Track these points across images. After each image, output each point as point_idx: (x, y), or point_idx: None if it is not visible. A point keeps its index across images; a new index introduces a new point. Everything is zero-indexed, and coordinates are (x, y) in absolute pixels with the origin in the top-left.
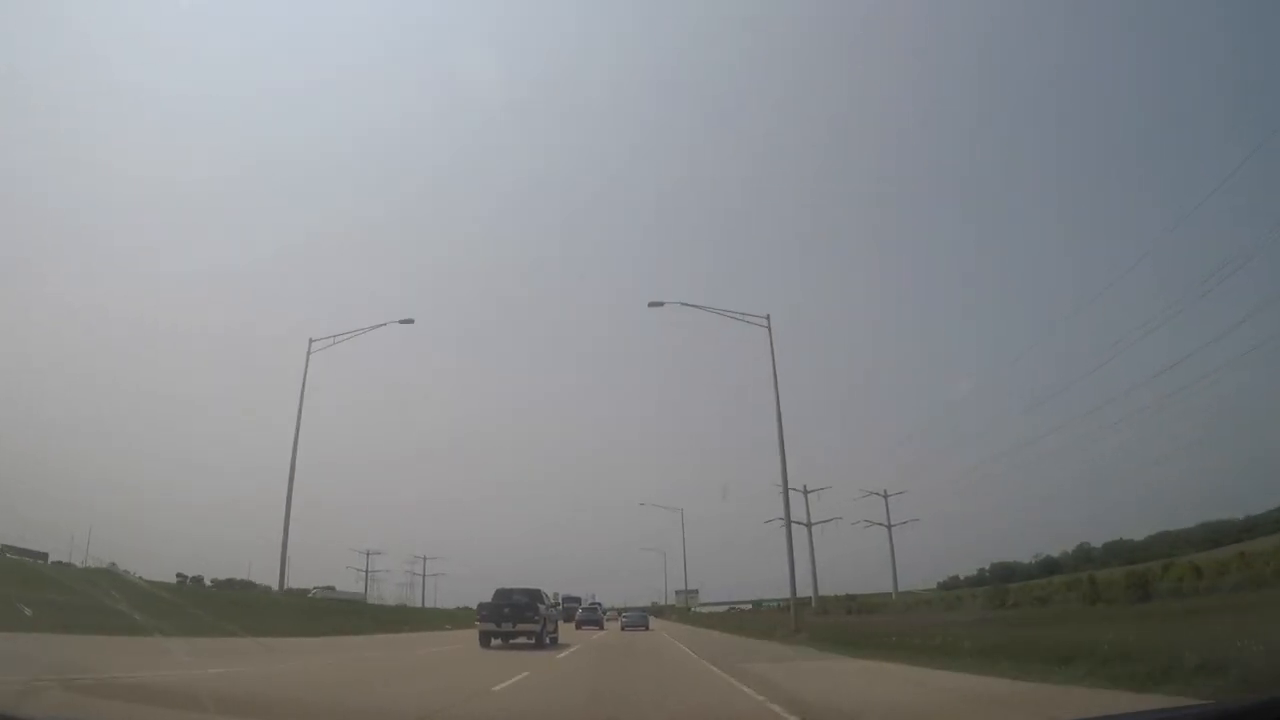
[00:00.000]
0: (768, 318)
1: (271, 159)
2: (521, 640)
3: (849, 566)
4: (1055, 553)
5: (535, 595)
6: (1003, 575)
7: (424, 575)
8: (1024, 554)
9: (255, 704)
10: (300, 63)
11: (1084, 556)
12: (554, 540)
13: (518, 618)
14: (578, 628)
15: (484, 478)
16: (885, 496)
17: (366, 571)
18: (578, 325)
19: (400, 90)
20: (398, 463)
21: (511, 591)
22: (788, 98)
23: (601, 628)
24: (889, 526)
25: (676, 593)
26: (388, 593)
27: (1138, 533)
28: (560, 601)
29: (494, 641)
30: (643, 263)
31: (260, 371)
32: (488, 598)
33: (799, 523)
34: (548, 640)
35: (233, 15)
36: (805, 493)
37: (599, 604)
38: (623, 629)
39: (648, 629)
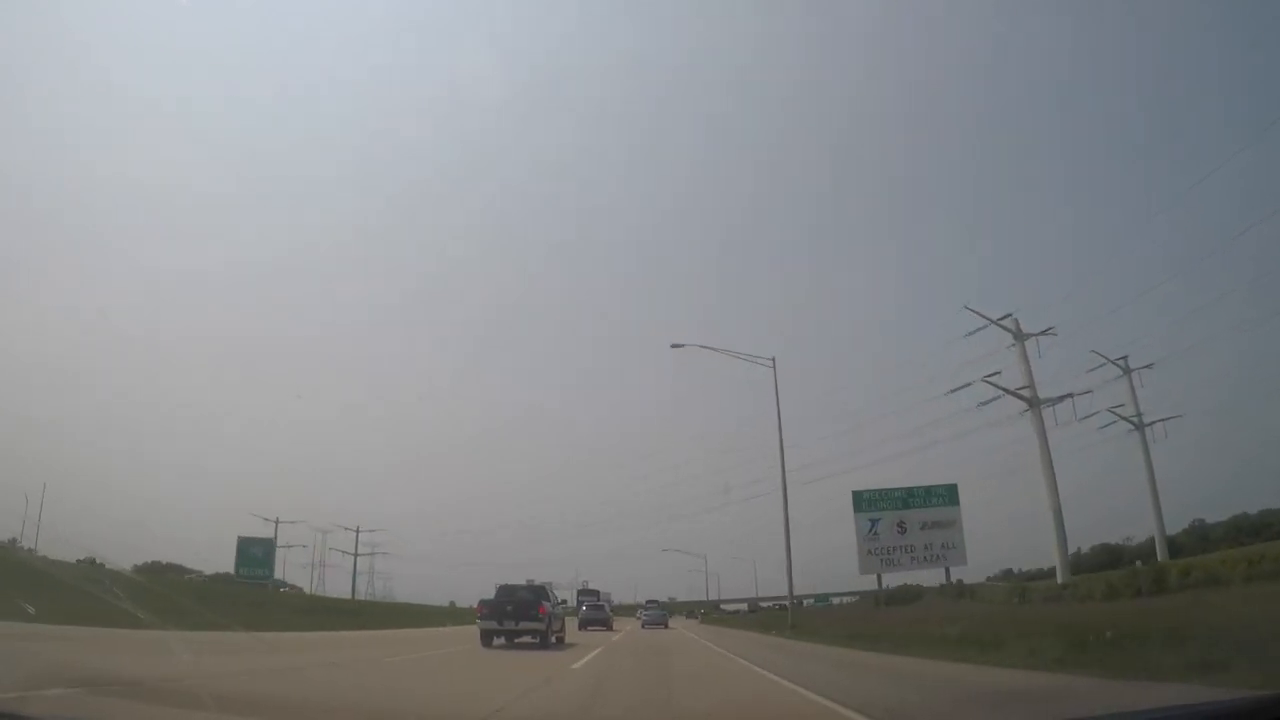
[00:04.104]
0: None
1: (269, 161)
2: (526, 640)
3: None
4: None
5: (540, 592)
6: (1104, 562)
7: (356, 554)
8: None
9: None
10: (299, 64)
11: (1201, 535)
12: (582, 538)
13: (521, 615)
14: (581, 628)
15: (501, 473)
16: (1127, 370)
17: (276, 548)
18: (590, 316)
19: (397, 93)
20: (409, 462)
21: (516, 588)
22: (797, 96)
23: (609, 628)
24: (1140, 425)
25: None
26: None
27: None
28: (579, 597)
29: (496, 641)
30: (645, 256)
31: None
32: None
33: (1015, 393)
34: (553, 640)
35: (229, 17)
36: (1020, 336)
37: (657, 602)
38: (643, 627)
39: (666, 627)
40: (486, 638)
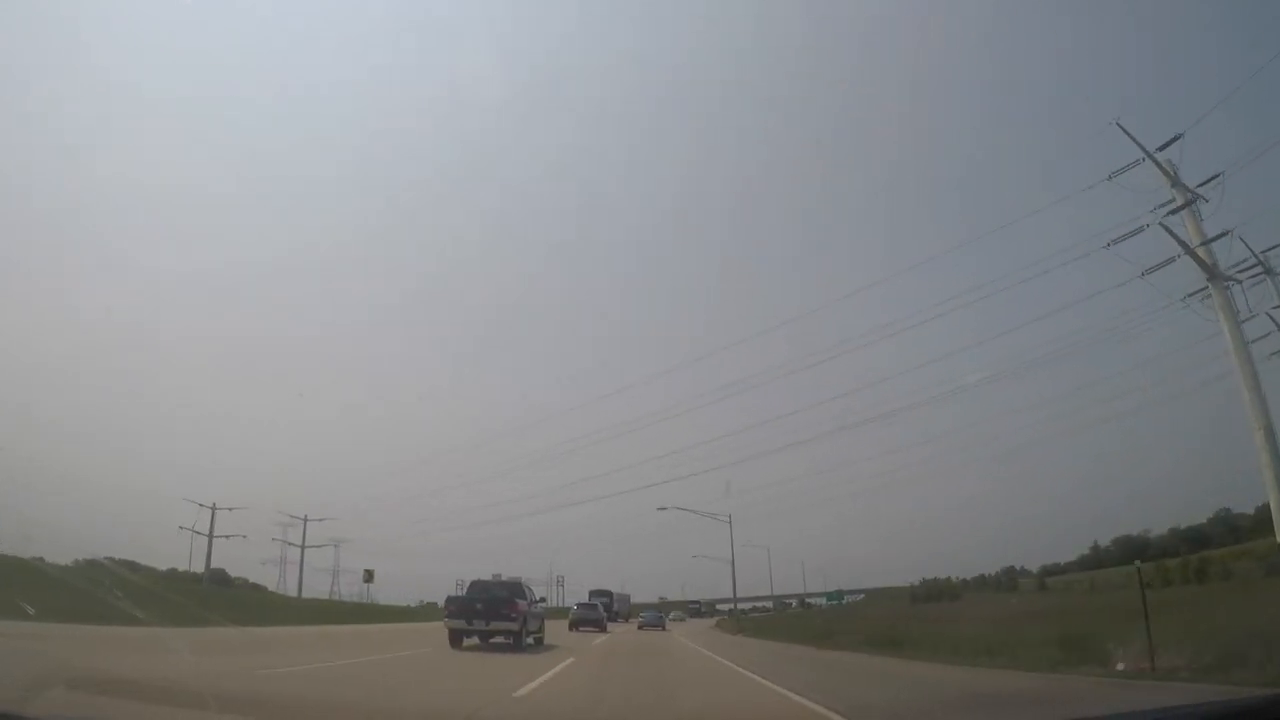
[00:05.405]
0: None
1: (269, 161)
2: (498, 640)
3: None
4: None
5: (515, 589)
6: (1129, 553)
7: (303, 546)
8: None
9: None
10: (299, 64)
11: (1227, 523)
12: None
13: (492, 615)
14: (572, 628)
15: (499, 473)
16: (1268, 270)
17: (211, 537)
18: (590, 316)
19: (397, 93)
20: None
21: (489, 585)
22: (797, 96)
23: (604, 629)
24: None
25: None
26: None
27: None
28: (590, 597)
29: (466, 641)
30: (645, 256)
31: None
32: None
33: (1194, 252)
34: (529, 640)
35: (229, 17)
36: (1179, 186)
37: (698, 603)
38: (639, 628)
39: (663, 629)
40: (455, 638)
